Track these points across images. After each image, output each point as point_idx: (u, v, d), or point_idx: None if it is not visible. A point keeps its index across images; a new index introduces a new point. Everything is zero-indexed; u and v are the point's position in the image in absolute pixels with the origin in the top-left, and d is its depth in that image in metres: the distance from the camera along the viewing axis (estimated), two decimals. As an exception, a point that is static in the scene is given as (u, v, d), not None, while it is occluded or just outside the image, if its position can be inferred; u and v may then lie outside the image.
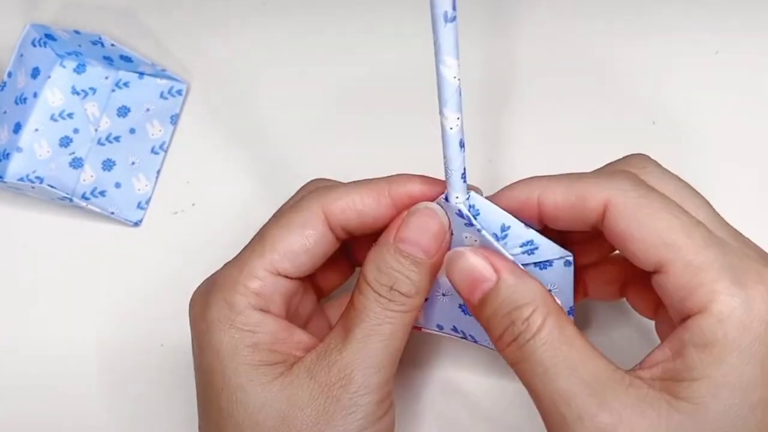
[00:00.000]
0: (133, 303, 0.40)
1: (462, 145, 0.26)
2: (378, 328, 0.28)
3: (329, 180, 0.33)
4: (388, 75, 0.45)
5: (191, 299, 0.31)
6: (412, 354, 0.37)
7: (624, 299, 0.33)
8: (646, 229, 0.26)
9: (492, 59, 0.44)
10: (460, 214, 0.28)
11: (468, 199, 0.28)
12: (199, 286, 0.31)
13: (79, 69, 0.45)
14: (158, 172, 0.43)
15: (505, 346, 0.27)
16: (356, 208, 0.29)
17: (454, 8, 0.22)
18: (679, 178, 0.29)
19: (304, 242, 0.29)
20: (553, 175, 0.29)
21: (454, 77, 0.24)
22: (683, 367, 0.25)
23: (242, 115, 0.44)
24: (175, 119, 0.44)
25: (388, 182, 0.30)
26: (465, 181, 0.27)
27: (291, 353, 0.29)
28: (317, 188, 0.31)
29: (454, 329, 0.33)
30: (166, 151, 0.44)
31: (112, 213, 0.42)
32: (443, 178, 0.28)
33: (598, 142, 0.41)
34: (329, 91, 0.44)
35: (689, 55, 0.44)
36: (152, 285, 0.41)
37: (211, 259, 0.39)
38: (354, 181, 0.31)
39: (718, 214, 0.28)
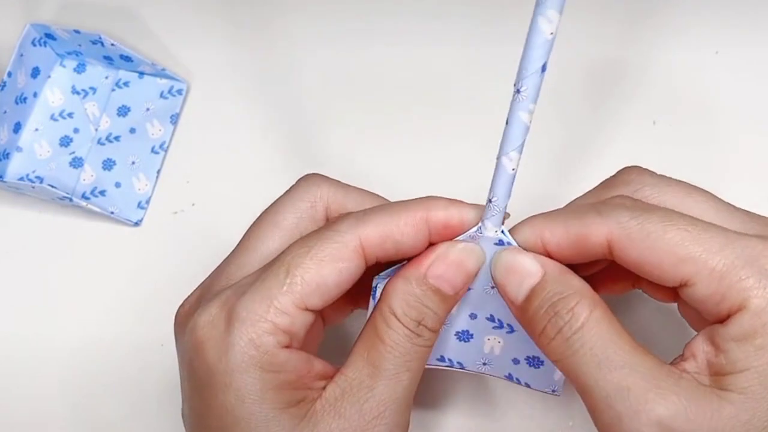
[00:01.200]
0: (133, 303, 0.40)
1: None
2: (409, 364, 0.27)
3: (326, 177, 0.32)
4: (391, 73, 0.45)
5: (202, 331, 0.27)
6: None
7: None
8: (659, 252, 0.25)
9: (493, 59, 0.44)
10: (500, 243, 0.28)
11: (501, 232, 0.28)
12: (209, 311, 0.28)
13: (80, 68, 0.45)
14: (158, 171, 0.43)
15: (548, 340, 0.26)
16: (395, 239, 0.28)
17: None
18: (676, 180, 0.29)
19: (338, 277, 0.27)
20: (552, 213, 0.28)
21: (530, 122, 0.24)
22: (726, 362, 0.25)
23: (242, 114, 0.44)
24: (175, 119, 0.44)
25: (424, 208, 0.28)
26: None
27: (309, 387, 0.28)
28: (351, 215, 0.28)
29: (441, 359, 0.32)
30: (166, 151, 0.44)
31: (112, 213, 0.42)
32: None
33: (599, 142, 0.42)
34: (330, 91, 0.44)
35: (689, 55, 0.44)
36: (152, 285, 0.40)
37: (211, 259, 0.39)
38: (387, 205, 0.29)
39: (725, 203, 0.28)
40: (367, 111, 0.44)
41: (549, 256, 0.28)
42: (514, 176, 0.25)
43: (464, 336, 0.31)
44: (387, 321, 0.27)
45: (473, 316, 0.30)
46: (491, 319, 0.30)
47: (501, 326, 0.30)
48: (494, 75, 0.44)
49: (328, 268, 0.27)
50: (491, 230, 0.27)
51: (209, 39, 0.46)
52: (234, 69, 0.45)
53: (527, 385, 0.31)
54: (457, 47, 0.45)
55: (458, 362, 0.32)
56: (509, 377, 0.32)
